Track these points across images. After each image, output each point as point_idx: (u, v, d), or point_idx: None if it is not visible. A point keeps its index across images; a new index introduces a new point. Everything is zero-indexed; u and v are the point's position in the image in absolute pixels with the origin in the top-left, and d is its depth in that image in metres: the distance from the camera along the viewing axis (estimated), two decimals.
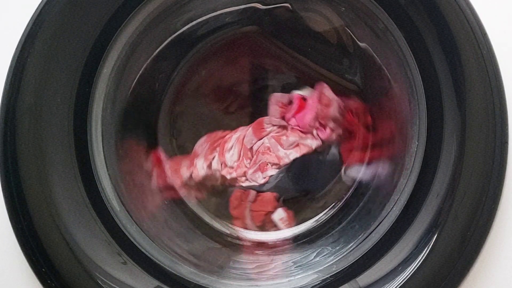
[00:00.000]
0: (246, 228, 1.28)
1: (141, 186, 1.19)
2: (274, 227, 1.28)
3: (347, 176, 1.27)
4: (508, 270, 1.04)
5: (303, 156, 1.27)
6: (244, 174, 1.27)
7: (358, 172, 1.25)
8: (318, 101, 1.24)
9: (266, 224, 1.28)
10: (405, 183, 1.05)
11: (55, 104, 1.01)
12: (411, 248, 1.01)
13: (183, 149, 1.29)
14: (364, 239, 1.07)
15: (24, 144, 1.00)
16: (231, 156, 1.27)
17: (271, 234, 1.27)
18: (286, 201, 1.29)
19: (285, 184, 1.28)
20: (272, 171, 1.26)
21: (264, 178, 1.26)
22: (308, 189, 1.29)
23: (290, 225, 1.27)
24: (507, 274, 1.04)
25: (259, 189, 1.27)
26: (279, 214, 1.28)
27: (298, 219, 1.28)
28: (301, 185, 1.29)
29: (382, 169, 1.20)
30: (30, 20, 1.00)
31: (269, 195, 1.27)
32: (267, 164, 1.26)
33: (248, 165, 1.27)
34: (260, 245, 1.25)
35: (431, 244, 0.99)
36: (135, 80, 1.17)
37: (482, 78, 0.98)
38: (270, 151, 1.27)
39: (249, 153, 1.27)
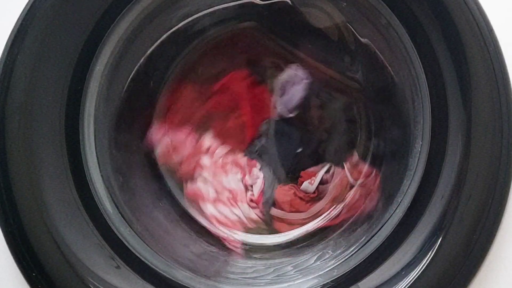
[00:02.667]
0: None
1: (135, 188, 1.19)
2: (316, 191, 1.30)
3: None
4: None
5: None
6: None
7: None
8: None
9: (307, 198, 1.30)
10: (409, 184, 1.05)
11: (46, 103, 1.01)
12: (414, 252, 1.01)
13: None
14: (366, 243, 1.07)
15: (14, 144, 1.00)
16: None
17: (270, 237, 1.27)
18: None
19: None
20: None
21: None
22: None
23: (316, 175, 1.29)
24: None
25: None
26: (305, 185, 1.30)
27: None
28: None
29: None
30: (20, 16, 1.00)
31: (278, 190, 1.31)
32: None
33: None
34: (258, 248, 1.25)
35: (436, 248, 0.99)
36: (129, 78, 1.17)
37: (488, 76, 0.98)
38: None
39: None
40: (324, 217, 1.27)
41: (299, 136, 1.31)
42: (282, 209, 1.29)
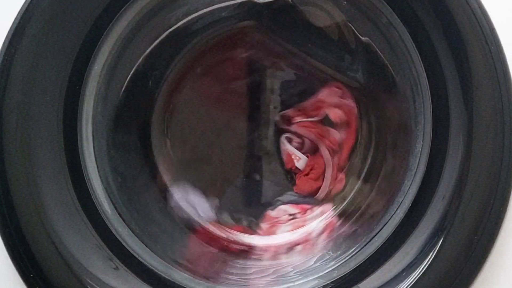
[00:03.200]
0: None
1: (134, 188, 1.19)
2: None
3: None
4: None
5: None
6: None
7: None
8: None
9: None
10: (410, 184, 1.05)
11: (43, 102, 1.00)
12: (415, 253, 1.01)
13: (177, 149, 1.29)
14: (367, 243, 1.06)
15: (12, 144, 0.99)
16: None
17: (269, 238, 1.27)
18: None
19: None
20: None
21: None
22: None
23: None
24: None
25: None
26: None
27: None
28: None
29: None
30: (17, 14, 1.00)
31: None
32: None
33: None
34: (258, 249, 1.25)
35: (437, 249, 0.99)
36: (128, 78, 1.17)
37: (490, 75, 0.98)
38: None
39: None
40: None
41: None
42: (321, 186, 1.30)
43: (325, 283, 1.05)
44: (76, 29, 1.01)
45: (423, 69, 1.02)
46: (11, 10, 1.01)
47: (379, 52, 1.14)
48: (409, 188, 1.05)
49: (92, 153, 1.07)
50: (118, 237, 1.05)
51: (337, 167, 1.29)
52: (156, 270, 1.05)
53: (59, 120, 1.02)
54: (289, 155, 1.30)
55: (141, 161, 1.24)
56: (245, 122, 1.31)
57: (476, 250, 0.98)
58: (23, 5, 1.00)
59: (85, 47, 1.03)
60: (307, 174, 1.30)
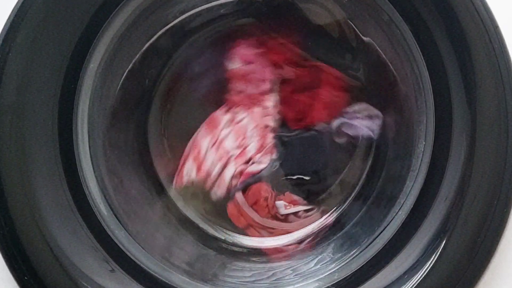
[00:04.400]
0: (261, 232, 1.29)
1: (130, 189, 1.19)
2: (284, 215, 1.29)
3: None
4: None
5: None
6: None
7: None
8: None
9: (273, 212, 1.28)
10: (412, 185, 1.05)
11: (38, 102, 1.00)
12: (418, 255, 1.01)
13: (175, 149, 1.29)
14: (368, 245, 1.07)
15: (6, 145, 0.99)
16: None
17: (268, 240, 1.27)
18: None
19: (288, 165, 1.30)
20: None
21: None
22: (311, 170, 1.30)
23: (296, 206, 1.28)
24: None
25: (249, 183, 1.28)
26: (280, 203, 1.28)
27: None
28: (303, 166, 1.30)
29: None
30: (11, 12, 1.00)
31: (257, 185, 1.28)
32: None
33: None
34: (257, 251, 1.25)
35: (439, 251, 0.99)
36: (124, 76, 1.17)
37: (494, 74, 0.98)
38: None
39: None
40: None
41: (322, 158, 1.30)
42: (246, 200, 1.28)
43: (325, 286, 1.05)
44: (72, 27, 1.01)
45: (425, 67, 1.02)
46: (5, 7, 1.01)
47: (380, 50, 1.14)
48: (411, 189, 1.05)
49: (88, 153, 1.07)
50: (114, 239, 1.05)
51: None
52: (153, 273, 1.05)
53: (54, 120, 1.02)
54: (294, 202, 1.29)
55: (137, 162, 1.24)
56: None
57: (479, 252, 0.98)
58: (17, 2, 1.00)
59: (80, 45, 1.03)
60: (266, 199, 1.29)
